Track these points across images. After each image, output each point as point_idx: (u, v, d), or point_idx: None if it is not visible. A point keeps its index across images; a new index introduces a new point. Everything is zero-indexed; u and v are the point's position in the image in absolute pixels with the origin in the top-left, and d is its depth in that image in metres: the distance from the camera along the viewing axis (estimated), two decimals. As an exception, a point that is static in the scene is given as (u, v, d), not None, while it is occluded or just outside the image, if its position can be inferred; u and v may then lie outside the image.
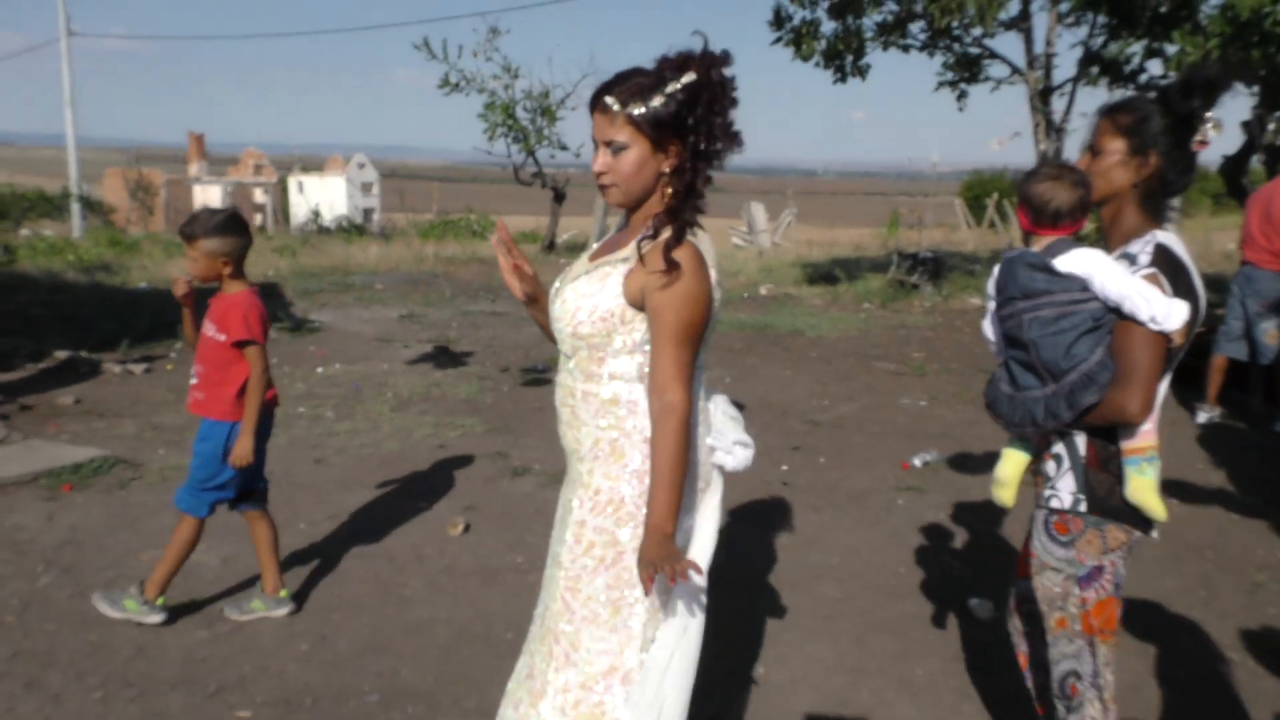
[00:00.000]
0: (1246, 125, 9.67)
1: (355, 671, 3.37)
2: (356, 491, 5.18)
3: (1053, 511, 2.28)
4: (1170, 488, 5.31)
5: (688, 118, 1.99)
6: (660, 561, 1.84)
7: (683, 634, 2.08)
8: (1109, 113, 2.31)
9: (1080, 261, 2.17)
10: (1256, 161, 9.94)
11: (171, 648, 3.50)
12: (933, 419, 6.86)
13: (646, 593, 1.88)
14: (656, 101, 1.97)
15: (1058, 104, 11.76)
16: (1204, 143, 2.22)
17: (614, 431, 2.09)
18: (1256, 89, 9.37)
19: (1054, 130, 11.67)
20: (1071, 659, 2.31)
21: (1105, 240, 2.34)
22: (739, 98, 2.03)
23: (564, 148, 18.51)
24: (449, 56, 14.51)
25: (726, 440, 2.23)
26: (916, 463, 5.82)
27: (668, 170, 2.04)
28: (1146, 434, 2.18)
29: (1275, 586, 4.16)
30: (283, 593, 3.77)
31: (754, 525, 4.83)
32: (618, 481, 2.09)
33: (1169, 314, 2.08)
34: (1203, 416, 6.74)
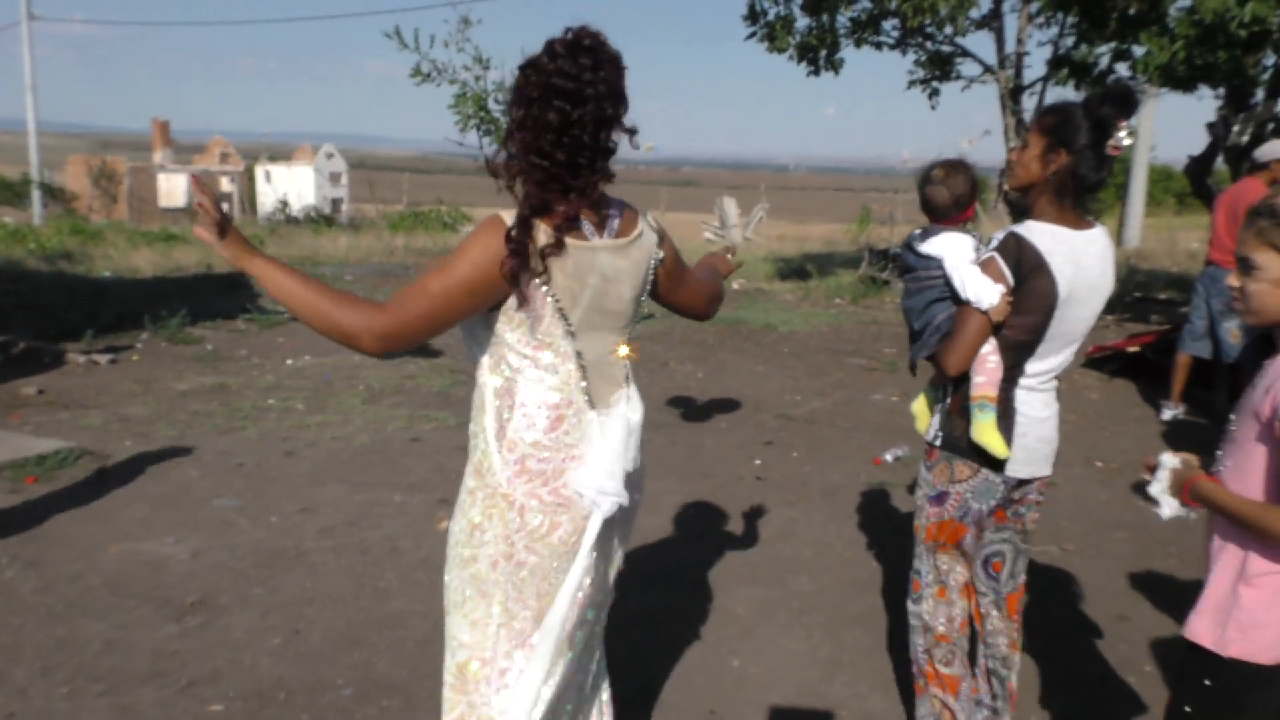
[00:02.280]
0: (1211, 126, 9.82)
1: (329, 665, 3.35)
2: (329, 485, 5.14)
3: (927, 443, 2.75)
4: (1135, 484, 5.41)
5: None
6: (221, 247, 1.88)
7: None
8: (1042, 114, 2.68)
9: (935, 244, 2.66)
10: (1221, 162, 10.09)
11: (141, 642, 3.45)
12: (904, 415, 6.86)
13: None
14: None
15: (1028, 103, 11.86)
16: (1117, 147, 2.51)
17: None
18: (1222, 91, 9.52)
19: (1024, 128, 11.78)
20: (916, 558, 2.79)
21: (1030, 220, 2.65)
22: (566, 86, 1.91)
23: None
24: (420, 46, 14.38)
25: (592, 482, 2.02)
26: (888, 458, 5.86)
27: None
28: (979, 385, 2.57)
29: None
30: None
31: (727, 519, 4.85)
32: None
33: (980, 296, 2.47)
34: (1167, 414, 6.85)
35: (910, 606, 2.81)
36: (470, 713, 2.08)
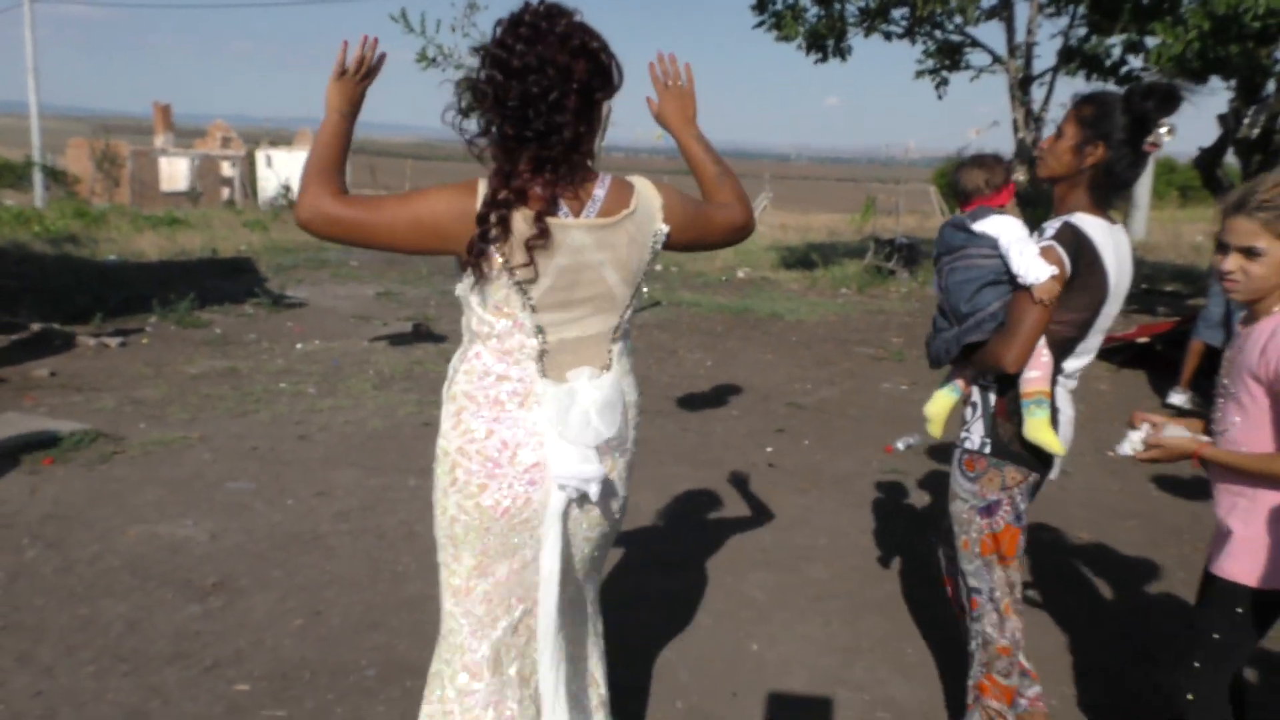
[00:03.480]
0: (1222, 119, 9.80)
1: (351, 647, 3.36)
2: (343, 469, 5.16)
3: (965, 451, 2.61)
4: (1148, 474, 5.43)
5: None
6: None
7: None
8: (1078, 103, 2.56)
9: (992, 224, 2.55)
10: (1231, 155, 10.08)
11: (163, 623, 3.47)
12: (914, 403, 6.92)
13: None
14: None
15: (1037, 94, 11.86)
16: (1155, 145, 2.46)
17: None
18: (1233, 82, 9.51)
19: (1033, 119, 11.77)
20: (973, 576, 2.64)
21: (1055, 211, 2.59)
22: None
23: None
24: (426, 30, 14.37)
25: (559, 468, 1.98)
26: (900, 446, 5.88)
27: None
28: (1035, 380, 2.47)
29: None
30: None
31: (741, 507, 4.87)
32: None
33: (1030, 272, 2.38)
34: (1175, 398, 6.91)
35: (970, 624, 2.68)
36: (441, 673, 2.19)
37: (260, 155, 37.78)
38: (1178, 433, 2.29)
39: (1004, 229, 2.52)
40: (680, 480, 5.18)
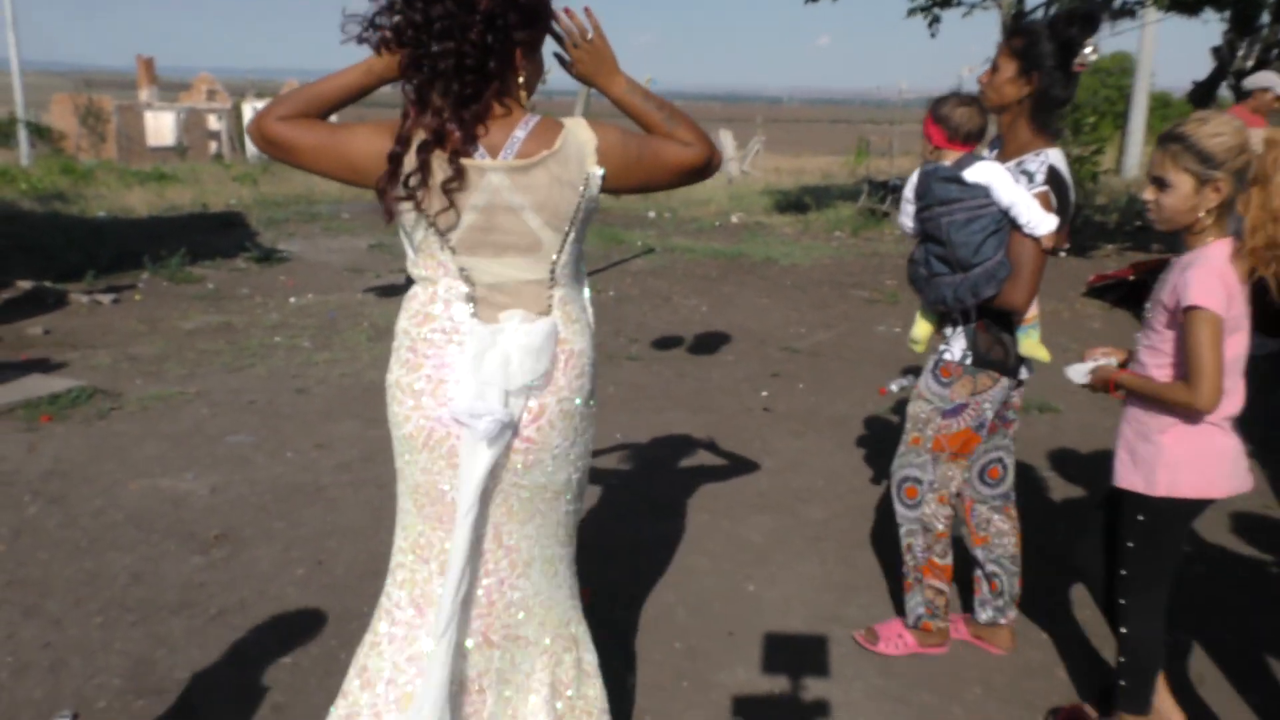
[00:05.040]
0: (1216, 51, 9.71)
1: (354, 594, 3.41)
2: (341, 421, 5.18)
3: (941, 360, 2.88)
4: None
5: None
6: None
7: None
8: (1009, 36, 2.80)
9: (983, 172, 2.68)
10: (1225, 88, 10.00)
11: (169, 574, 3.52)
12: (908, 346, 6.95)
13: None
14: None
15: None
16: (1083, 64, 2.67)
17: None
18: (1227, 14, 9.40)
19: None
20: (915, 467, 2.95)
21: (1001, 145, 2.84)
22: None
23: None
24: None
25: (461, 404, 1.94)
26: (893, 388, 5.91)
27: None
28: (1031, 308, 2.80)
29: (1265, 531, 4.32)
30: None
31: (737, 450, 4.90)
32: None
33: (1039, 223, 2.63)
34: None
35: (906, 512, 2.99)
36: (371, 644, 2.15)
37: (247, 107, 37.26)
38: (1111, 363, 2.53)
39: (997, 178, 2.66)
40: (676, 425, 5.21)
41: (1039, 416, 5.39)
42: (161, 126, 34.94)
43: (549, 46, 2.04)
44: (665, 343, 7.06)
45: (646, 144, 2.00)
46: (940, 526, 2.96)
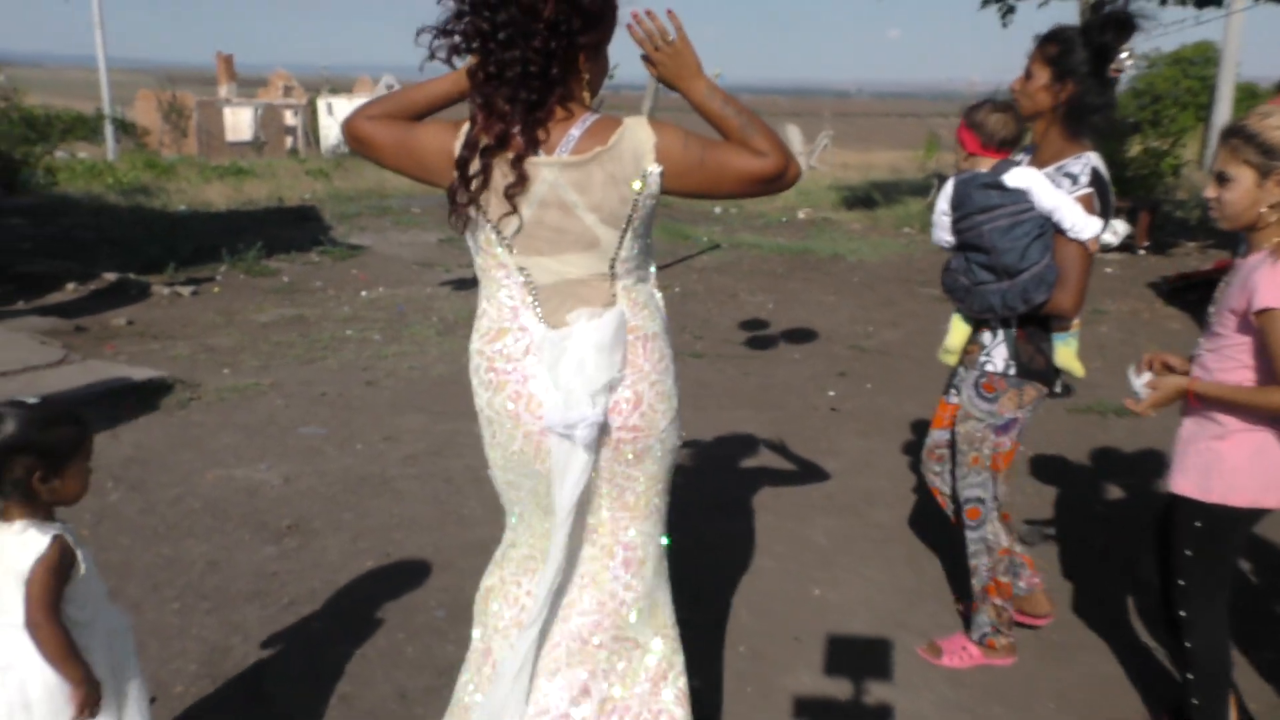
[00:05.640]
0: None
1: (421, 588, 3.45)
2: (410, 414, 5.25)
3: (984, 374, 2.83)
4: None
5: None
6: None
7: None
8: (1041, 42, 2.74)
9: (1022, 178, 2.66)
10: None
11: (242, 563, 3.60)
12: (939, 357, 6.81)
13: None
14: None
15: (1112, 21, 11.34)
16: (1119, 70, 2.65)
17: None
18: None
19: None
20: (978, 487, 2.89)
21: (1035, 151, 2.81)
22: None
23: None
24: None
25: (553, 414, 1.94)
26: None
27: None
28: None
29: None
30: None
31: (803, 450, 4.85)
32: None
33: (1083, 227, 2.62)
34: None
35: (970, 533, 2.95)
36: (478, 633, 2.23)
37: (321, 104, 37.98)
38: (1175, 380, 2.40)
39: (1037, 183, 2.66)
40: (742, 423, 5.18)
41: (1116, 420, 5.24)
42: (239, 122, 35.80)
43: (632, 49, 2.03)
44: (730, 339, 7.02)
45: (713, 150, 1.92)
46: (1003, 544, 2.93)
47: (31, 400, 1.93)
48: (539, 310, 1.98)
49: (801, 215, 14.23)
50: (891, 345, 6.96)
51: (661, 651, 2.17)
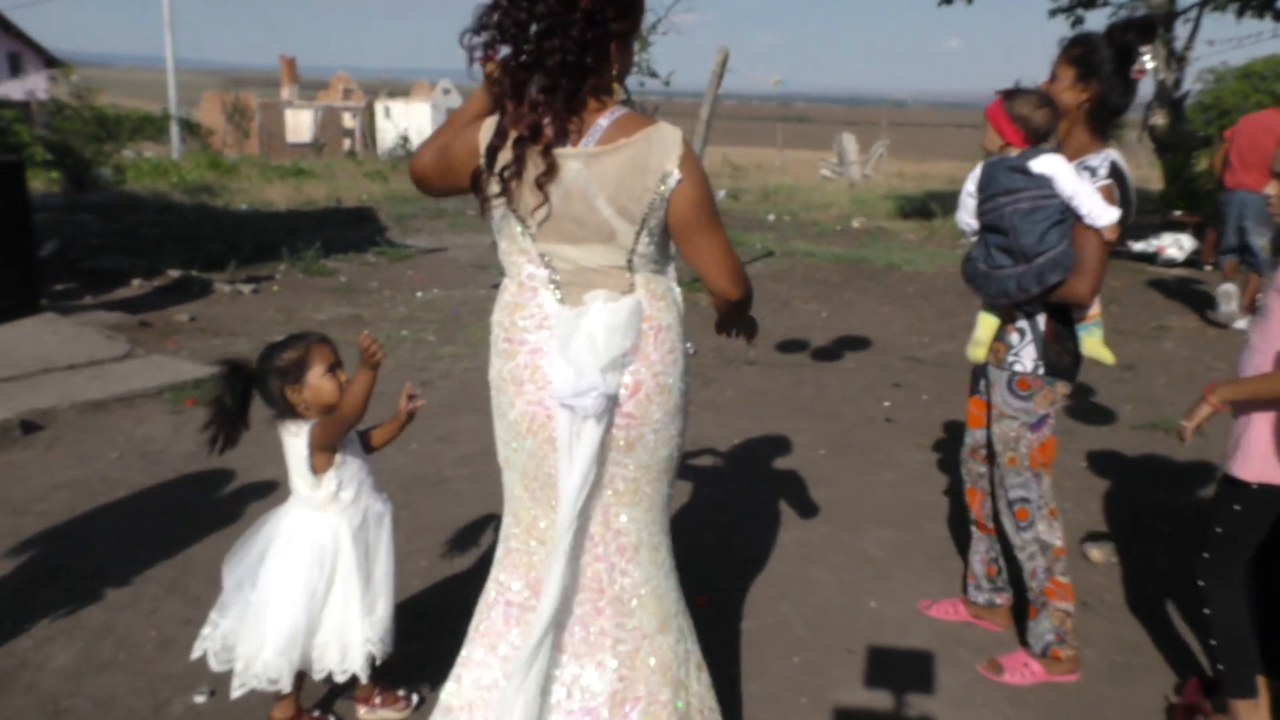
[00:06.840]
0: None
1: (476, 588, 3.40)
2: (464, 415, 5.29)
3: (1015, 374, 2.84)
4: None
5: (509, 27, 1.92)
6: None
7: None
8: (1066, 45, 2.83)
9: (1047, 164, 2.68)
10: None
11: (299, 558, 3.64)
12: (966, 354, 6.68)
13: None
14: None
15: (1181, 30, 11.10)
16: (1141, 71, 2.73)
17: None
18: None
19: (1175, 59, 11.05)
20: (1020, 488, 2.89)
21: (1059, 149, 2.81)
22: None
23: (654, 74, 18.25)
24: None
25: (563, 388, 1.97)
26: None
27: None
28: (1093, 305, 2.77)
29: None
30: None
31: (857, 461, 4.80)
32: None
33: (1101, 214, 2.63)
34: (1239, 323, 7.43)
35: (1021, 535, 2.91)
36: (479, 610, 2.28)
37: (379, 107, 38.51)
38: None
39: (1061, 170, 2.67)
40: (796, 433, 5.13)
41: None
42: (300, 124, 36.49)
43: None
44: (785, 348, 6.98)
45: (706, 218, 2.00)
46: (1058, 542, 2.90)
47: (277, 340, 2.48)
48: (558, 294, 2.03)
49: (856, 224, 14.10)
50: (948, 357, 6.86)
51: (667, 642, 2.16)
